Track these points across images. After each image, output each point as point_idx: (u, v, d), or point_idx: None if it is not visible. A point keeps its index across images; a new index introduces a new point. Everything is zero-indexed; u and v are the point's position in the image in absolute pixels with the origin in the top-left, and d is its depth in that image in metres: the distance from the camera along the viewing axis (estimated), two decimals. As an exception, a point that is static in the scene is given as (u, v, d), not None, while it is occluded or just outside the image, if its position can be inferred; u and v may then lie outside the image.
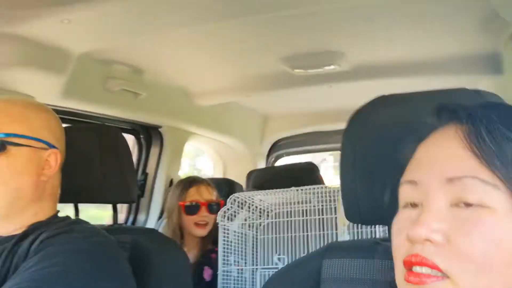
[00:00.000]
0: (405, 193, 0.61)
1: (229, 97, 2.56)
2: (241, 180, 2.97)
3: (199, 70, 2.26)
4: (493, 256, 0.52)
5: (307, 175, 2.68)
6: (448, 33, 1.73)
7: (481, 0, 1.49)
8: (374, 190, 0.79)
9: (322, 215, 1.89)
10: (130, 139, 2.75)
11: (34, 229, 1.09)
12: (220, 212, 1.91)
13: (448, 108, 0.62)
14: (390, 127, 0.80)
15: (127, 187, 1.53)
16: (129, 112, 2.33)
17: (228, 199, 1.94)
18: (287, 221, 1.95)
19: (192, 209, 2.10)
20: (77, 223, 1.17)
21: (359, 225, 1.68)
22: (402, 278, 0.57)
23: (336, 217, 1.87)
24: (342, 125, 0.88)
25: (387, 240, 0.76)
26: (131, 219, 2.76)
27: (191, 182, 2.16)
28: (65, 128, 1.46)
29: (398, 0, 1.52)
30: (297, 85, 2.30)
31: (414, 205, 0.59)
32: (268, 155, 3.56)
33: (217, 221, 1.91)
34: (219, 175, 3.45)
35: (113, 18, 1.50)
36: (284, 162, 3.69)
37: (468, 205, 0.54)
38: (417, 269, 0.55)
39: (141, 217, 2.76)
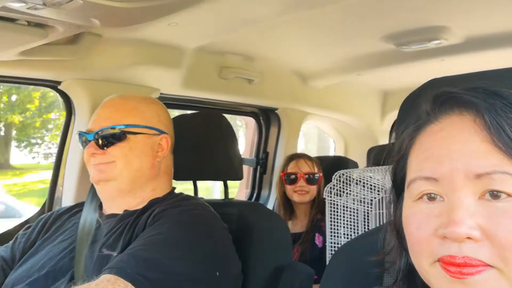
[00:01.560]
0: (422, 187, 0.59)
1: (339, 77, 2.59)
2: (364, 158, 2.99)
3: (307, 53, 2.32)
4: None
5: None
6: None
7: None
8: None
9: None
10: (251, 121, 2.96)
11: (151, 204, 1.29)
12: (327, 188, 2.02)
13: (457, 97, 0.60)
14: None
15: (233, 165, 1.71)
16: (245, 97, 2.51)
17: (334, 176, 2.03)
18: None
19: (291, 179, 2.37)
20: (186, 199, 1.34)
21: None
22: (439, 272, 0.56)
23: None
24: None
25: None
26: (255, 194, 2.95)
27: (292, 156, 2.44)
28: (177, 116, 1.69)
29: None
30: (405, 61, 2.26)
31: (431, 198, 0.58)
32: (391, 132, 3.48)
33: (323, 196, 2.04)
34: (340, 153, 3.51)
35: (215, 15, 1.62)
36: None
37: (496, 197, 0.54)
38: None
39: (264, 193, 2.94)
